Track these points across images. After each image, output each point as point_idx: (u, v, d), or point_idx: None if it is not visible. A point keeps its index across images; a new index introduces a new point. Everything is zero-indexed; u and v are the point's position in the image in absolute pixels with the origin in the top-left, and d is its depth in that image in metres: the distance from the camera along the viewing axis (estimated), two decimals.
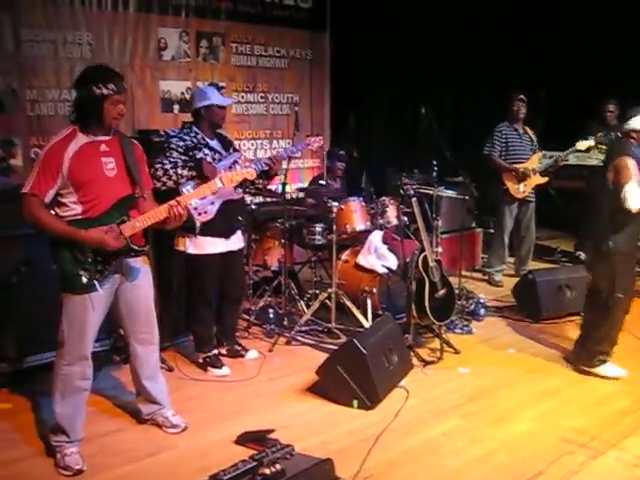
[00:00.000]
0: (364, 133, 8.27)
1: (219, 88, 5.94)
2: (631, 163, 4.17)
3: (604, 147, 7.24)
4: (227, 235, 4.45)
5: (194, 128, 4.39)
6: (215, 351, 4.63)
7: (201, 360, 4.60)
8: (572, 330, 5.52)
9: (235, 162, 4.43)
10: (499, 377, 4.58)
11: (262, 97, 7.44)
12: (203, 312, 4.53)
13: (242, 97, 7.17)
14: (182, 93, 6.68)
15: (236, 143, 5.26)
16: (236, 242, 4.57)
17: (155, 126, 6.08)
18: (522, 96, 6.76)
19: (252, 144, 7.33)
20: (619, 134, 4.52)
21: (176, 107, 6.67)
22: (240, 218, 4.60)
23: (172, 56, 6.63)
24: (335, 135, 7.96)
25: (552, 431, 3.81)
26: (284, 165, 5.07)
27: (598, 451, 3.59)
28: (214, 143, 4.42)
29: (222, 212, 4.34)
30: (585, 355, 4.65)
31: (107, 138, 3.34)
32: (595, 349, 4.59)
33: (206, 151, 4.32)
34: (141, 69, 6.36)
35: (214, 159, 4.33)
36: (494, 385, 4.45)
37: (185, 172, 4.18)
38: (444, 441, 3.70)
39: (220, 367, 4.54)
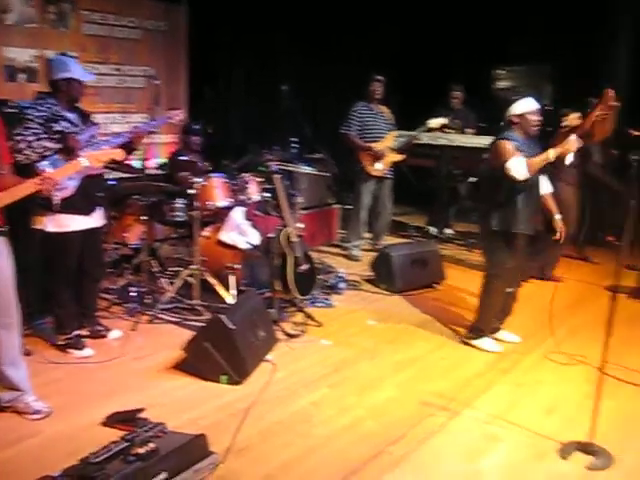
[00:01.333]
0: (221, 109, 8.20)
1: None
2: (509, 144, 4.43)
3: (452, 130, 7.66)
4: (88, 212, 4.28)
5: (50, 100, 4.15)
6: (76, 332, 4.45)
7: (62, 342, 4.40)
8: (428, 301, 5.84)
9: (92, 136, 4.25)
10: (361, 348, 4.75)
11: (115, 69, 7.18)
12: (63, 293, 4.34)
13: (94, 68, 6.85)
14: (28, 61, 6.30)
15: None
16: (97, 219, 4.40)
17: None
18: (379, 77, 6.96)
19: (105, 118, 7.04)
20: (502, 123, 4.71)
21: (22, 76, 6.29)
22: (101, 194, 4.44)
23: (16, 20, 6.23)
24: (192, 110, 7.83)
25: (414, 396, 4.02)
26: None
27: (455, 412, 3.84)
28: (72, 116, 4.21)
29: (81, 188, 4.15)
30: (470, 328, 4.93)
31: None
32: (476, 323, 4.87)
33: (64, 124, 4.10)
34: None
35: (73, 132, 4.13)
36: (356, 355, 4.61)
37: (50, 144, 3.97)
38: (314, 410, 3.80)
39: (82, 348, 4.38)
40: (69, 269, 4.31)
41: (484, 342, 4.84)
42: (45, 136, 3.98)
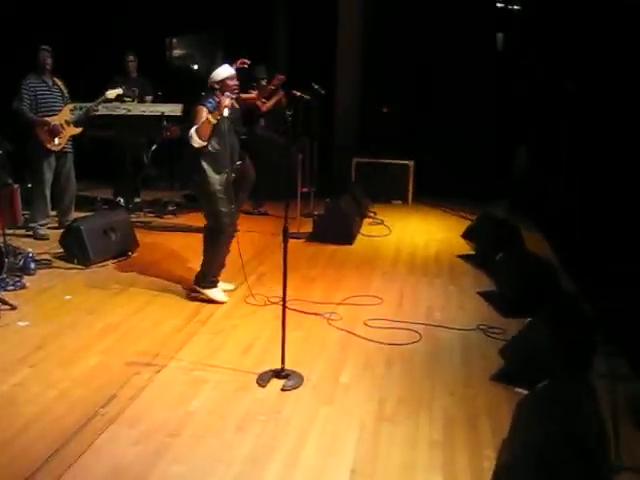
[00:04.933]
0: None
1: None
2: (203, 110, 4.76)
3: (130, 99, 7.73)
4: None
5: None
6: None
7: None
8: (123, 269, 5.94)
9: None
10: (61, 323, 4.71)
11: None
12: None
13: None
14: None
15: None
16: None
17: None
18: (46, 47, 6.71)
19: None
20: (205, 91, 4.96)
21: None
22: None
23: None
24: None
25: (119, 359, 4.15)
26: None
27: (160, 365, 4.07)
28: None
29: None
30: (197, 279, 5.19)
31: None
32: (204, 274, 5.15)
33: None
34: None
35: None
36: (57, 331, 4.58)
37: None
38: (18, 391, 3.73)
39: None
40: None
41: (214, 292, 5.16)
42: None
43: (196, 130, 4.76)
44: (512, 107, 9.25)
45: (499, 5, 10.15)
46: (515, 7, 10.10)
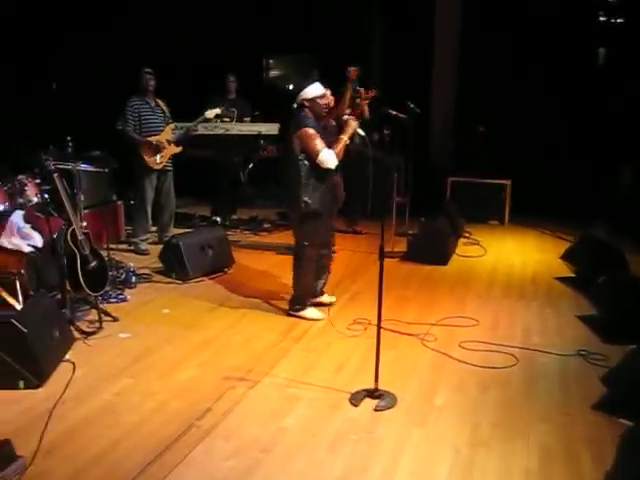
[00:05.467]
0: None
1: None
2: (312, 132, 4.83)
3: (228, 119, 7.92)
4: None
5: None
6: None
7: None
8: (219, 285, 6.06)
9: None
10: (159, 336, 4.85)
11: None
12: None
13: None
14: None
15: None
16: None
17: None
18: (148, 69, 6.99)
19: None
20: (295, 105, 5.04)
21: None
22: None
23: None
24: None
25: (214, 373, 4.22)
26: None
27: (254, 381, 4.11)
28: None
29: None
30: (290, 301, 5.27)
31: None
32: (294, 295, 5.23)
33: None
34: None
35: None
36: (155, 344, 4.71)
37: None
38: (118, 401, 3.86)
39: None
40: None
41: (308, 312, 5.22)
42: None
43: (336, 153, 4.87)
44: (615, 124, 8.93)
45: (601, 19, 9.85)
46: (618, 20, 9.77)
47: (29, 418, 3.63)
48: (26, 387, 3.94)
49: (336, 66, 8.19)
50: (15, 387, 3.94)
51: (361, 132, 4.90)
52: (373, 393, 3.86)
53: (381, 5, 10.55)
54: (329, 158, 4.85)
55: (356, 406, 3.79)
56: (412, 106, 7.42)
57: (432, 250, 6.92)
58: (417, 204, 8.08)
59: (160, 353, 4.57)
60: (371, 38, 10.87)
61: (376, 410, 3.74)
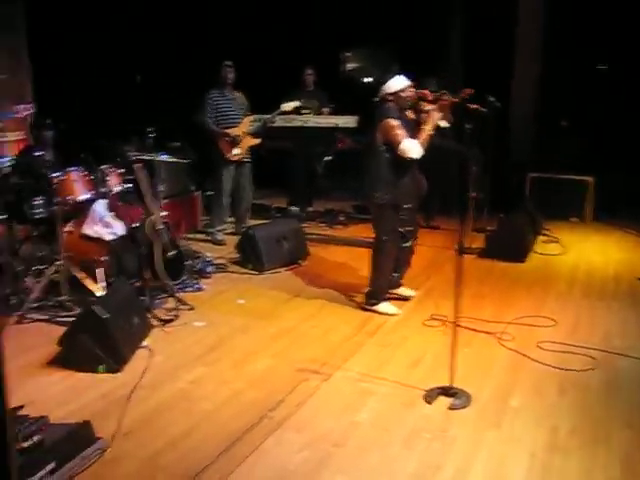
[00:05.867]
0: (69, 103, 8.01)
1: None
2: (395, 123, 4.79)
3: (308, 111, 7.92)
4: None
5: None
6: None
7: None
8: (294, 277, 6.09)
9: None
10: (233, 326, 4.90)
11: None
12: None
13: None
14: None
15: None
16: None
17: None
18: (228, 62, 7.07)
19: None
20: (377, 99, 5.02)
21: None
22: None
23: None
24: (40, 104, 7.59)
25: (288, 364, 4.24)
26: None
27: (328, 374, 4.10)
28: None
29: None
30: (366, 295, 5.25)
31: None
32: (371, 290, 5.20)
33: None
34: None
35: None
36: (230, 333, 4.77)
37: None
38: (193, 388, 3.93)
39: None
40: None
41: (383, 307, 5.18)
42: None
43: (422, 143, 4.79)
44: None
45: None
46: None
47: (107, 402, 3.73)
48: (106, 371, 4.06)
49: (416, 59, 8.07)
50: (95, 371, 4.06)
51: (443, 124, 4.81)
52: (448, 391, 3.79)
53: None
54: (412, 147, 4.77)
55: (430, 404, 3.73)
56: (492, 100, 7.25)
57: (510, 247, 6.76)
58: (496, 200, 7.91)
59: (234, 342, 4.62)
60: (451, 28, 10.68)
61: (450, 409, 3.68)
